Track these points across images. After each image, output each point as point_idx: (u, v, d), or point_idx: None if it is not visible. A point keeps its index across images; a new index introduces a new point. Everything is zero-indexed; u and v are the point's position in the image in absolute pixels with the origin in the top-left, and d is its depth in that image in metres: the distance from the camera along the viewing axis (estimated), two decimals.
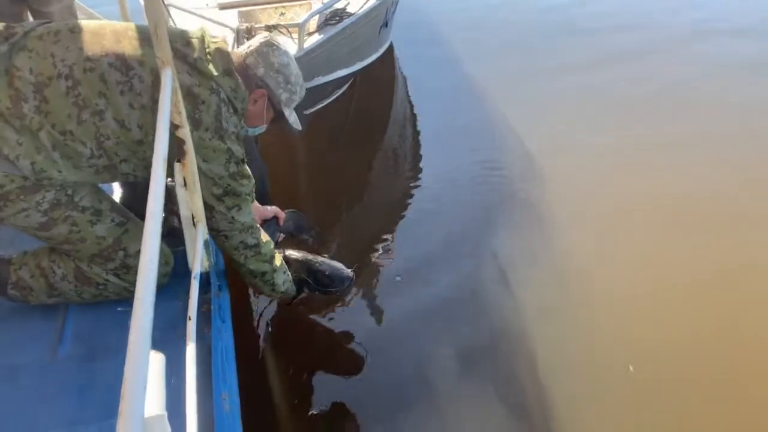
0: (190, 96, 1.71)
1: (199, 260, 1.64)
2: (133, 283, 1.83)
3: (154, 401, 0.94)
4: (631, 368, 2.36)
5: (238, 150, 1.80)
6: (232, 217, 1.84)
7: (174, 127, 1.58)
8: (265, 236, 2.00)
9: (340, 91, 3.99)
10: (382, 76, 4.71)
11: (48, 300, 1.89)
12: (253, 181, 1.89)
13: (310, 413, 2.14)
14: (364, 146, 3.95)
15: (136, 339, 0.71)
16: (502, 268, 2.82)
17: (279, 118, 1.99)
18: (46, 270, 1.86)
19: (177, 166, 1.66)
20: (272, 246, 2.03)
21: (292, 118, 1.99)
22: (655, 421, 2.17)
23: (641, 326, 2.54)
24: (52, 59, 1.65)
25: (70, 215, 1.74)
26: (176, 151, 1.63)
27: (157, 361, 1.08)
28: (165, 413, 0.89)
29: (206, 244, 1.85)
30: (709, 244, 2.97)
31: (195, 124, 1.72)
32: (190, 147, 1.61)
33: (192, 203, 1.70)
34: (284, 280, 2.06)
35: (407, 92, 4.64)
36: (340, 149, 3.85)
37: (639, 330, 2.52)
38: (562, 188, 3.38)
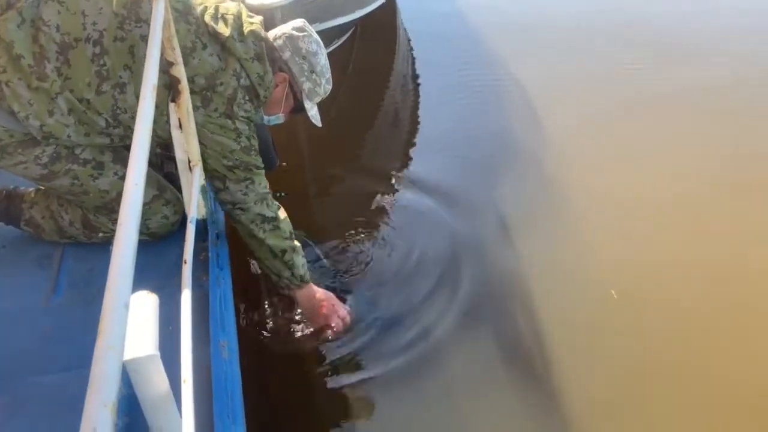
0: (210, 78, 1.65)
1: (194, 204, 1.59)
2: (141, 233, 1.82)
3: (147, 341, 0.90)
4: (614, 294, 2.37)
5: (246, 129, 1.74)
6: (247, 187, 1.79)
7: (168, 65, 1.50)
8: (283, 212, 1.94)
9: (340, 42, 3.86)
10: (383, 27, 4.57)
11: (60, 239, 1.86)
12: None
13: (309, 361, 2.12)
14: (364, 102, 3.85)
15: (119, 260, 0.66)
16: (500, 218, 2.81)
17: (299, 109, 1.91)
18: (55, 214, 1.82)
19: (171, 106, 1.60)
20: (290, 223, 1.97)
21: (313, 111, 1.90)
22: (636, 347, 2.21)
23: (624, 252, 2.59)
24: (83, 18, 1.55)
25: (70, 168, 1.68)
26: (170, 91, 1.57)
27: (151, 302, 1.04)
28: (158, 353, 0.85)
29: (203, 189, 1.79)
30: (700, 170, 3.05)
31: (204, 102, 1.66)
32: (184, 86, 1.54)
33: (188, 145, 1.63)
34: (303, 263, 1.98)
35: (409, 44, 4.50)
36: (338, 104, 3.74)
37: (623, 255, 2.57)
38: (567, 148, 3.30)
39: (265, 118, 1.91)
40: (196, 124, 1.66)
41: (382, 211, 2.81)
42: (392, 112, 3.79)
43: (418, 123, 3.62)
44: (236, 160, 1.75)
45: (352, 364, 2.13)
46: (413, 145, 3.40)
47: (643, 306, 2.36)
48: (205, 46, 1.65)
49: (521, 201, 2.93)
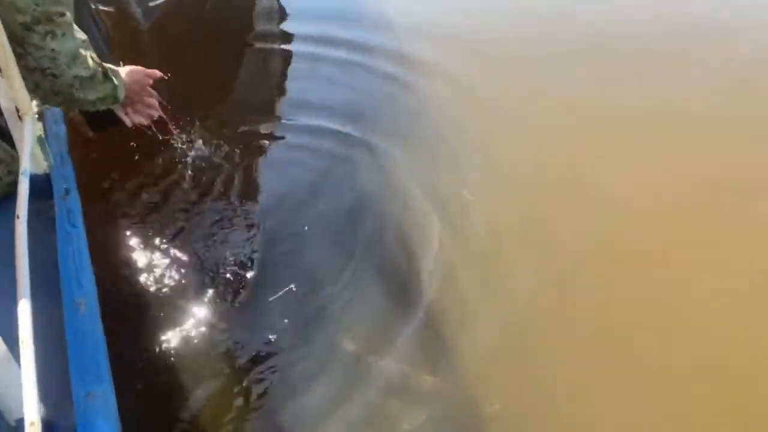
0: None
1: (27, 156, 1.44)
2: None
3: None
4: (469, 195, 2.50)
5: None
6: (52, 49, 1.49)
7: None
8: (101, 64, 1.65)
9: None
10: None
11: None
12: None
13: (178, 315, 2.06)
14: (227, 42, 3.65)
15: None
16: (380, 151, 2.83)
17: None
18: None
19: None
20: (107, 66, 1.69)
21: None
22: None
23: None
24: None
25: None
26: None
27: None
28: None
29: (40, 140, 1.62)
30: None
31: None
32: None
33: (12, 91, 1.46)
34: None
35: None
36: (198, 46, 3.52)
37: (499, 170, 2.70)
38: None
39: None
40: None
41: (249, 156, 2.73)
42: (259, 52, 3.63)
43: (290, 60, 3.50)
44: (33, 10, 1.44)
45: (228, 311, 2.09)
46: (284, 85, 3.30)
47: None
48: None
49: (397, 132, 2.97)
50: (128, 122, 1.88)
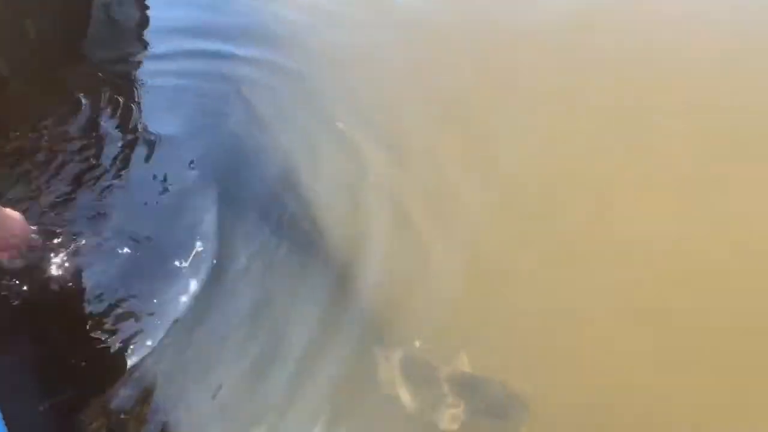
0: None
1: None
2: None
3: None
4: (340, 125, 2.42)
5: None
6: None
7: None
8: None
9: None
10: None
11: None
12: None
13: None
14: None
15: None
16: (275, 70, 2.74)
17: None
18: None
19: None
20: None
21: None
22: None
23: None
24: None
25: None
26: None
27: None
28: None
29: None
30: None
31: None
32: None
33: None
34: None
35: None
36: (42, 8, 3.13)
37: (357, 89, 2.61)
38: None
39: None
40: None
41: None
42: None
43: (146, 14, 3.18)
44: None
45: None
46: (149, 27, 3.01)
47: None
48: None
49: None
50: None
